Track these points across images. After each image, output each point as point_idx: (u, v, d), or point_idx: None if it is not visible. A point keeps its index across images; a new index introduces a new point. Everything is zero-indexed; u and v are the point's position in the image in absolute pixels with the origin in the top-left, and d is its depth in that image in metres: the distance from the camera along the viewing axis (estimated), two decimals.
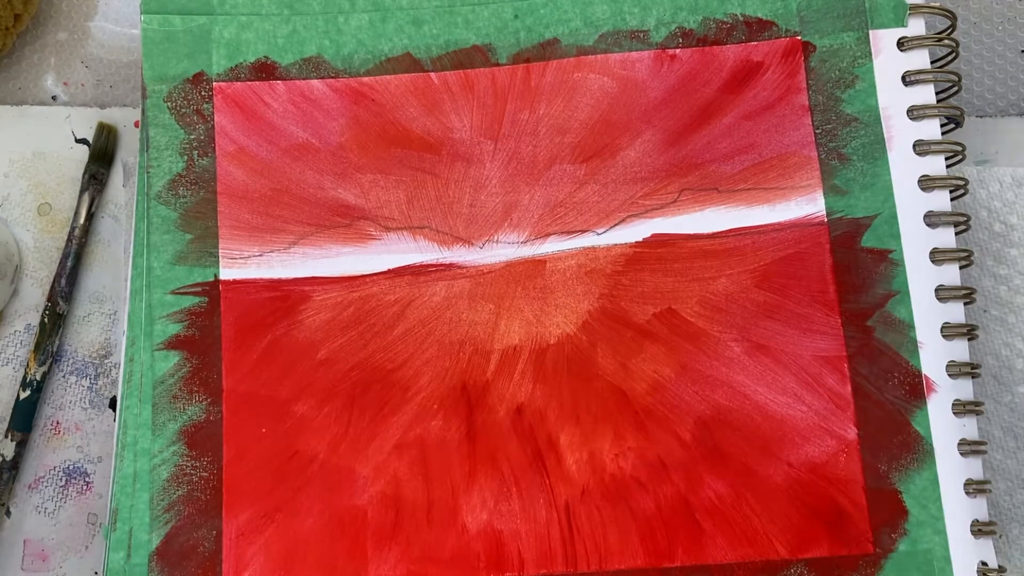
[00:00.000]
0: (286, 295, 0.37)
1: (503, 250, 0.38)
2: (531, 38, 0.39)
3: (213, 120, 0.38)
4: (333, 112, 0.38)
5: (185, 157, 0.38)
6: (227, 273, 0.37)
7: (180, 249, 0.37)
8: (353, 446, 0.36)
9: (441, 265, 0.38)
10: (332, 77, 0.38)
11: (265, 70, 0.38)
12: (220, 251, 0.37)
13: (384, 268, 0.37)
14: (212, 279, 0.37)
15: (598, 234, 0.38)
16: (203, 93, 0.38)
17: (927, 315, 0.37)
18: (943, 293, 0.37)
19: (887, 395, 0.36)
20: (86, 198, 0.40)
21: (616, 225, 0.38)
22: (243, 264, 0.37)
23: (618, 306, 0.37)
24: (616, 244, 0.38)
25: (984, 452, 0.36)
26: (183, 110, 0.38)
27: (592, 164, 0.38)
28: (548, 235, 0.38)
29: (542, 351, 0.37)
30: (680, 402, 0.36)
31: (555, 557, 0.36)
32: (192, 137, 0.38)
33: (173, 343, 0.37)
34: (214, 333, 0.37)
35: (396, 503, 0.36)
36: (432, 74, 0.38)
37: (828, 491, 0.36)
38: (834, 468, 0.36)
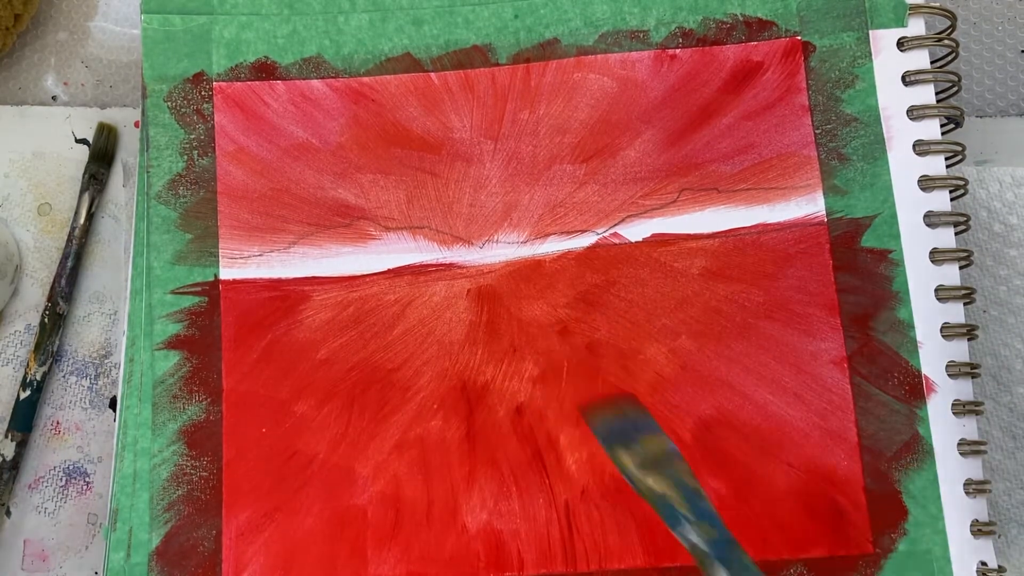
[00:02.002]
0: (286, 295, 0.37)
1: (503, 250, 0.38)
2: (531, 38, 0.39)
3: (213, 120, 0.38)
4: (333, 112, 0.38)
5: (185, 157, 0.38)
6: (227, 273, 0.37)
7: (180, 249, 0.37)
8: (353, 446, 0.36)
9: (441, 265, 0.38)
10: (332, 77, 0.38)
11: (265, 70, 0.38)
12: (220, 251, 0.37)
13: (384, 268, 0.37)
14: (212, 279, 0.37)
15: (598, 234, 0.38)
16: (203, 93, 0.38)
17: (927, 315, 0.37)
18: (943, 293, 0.37)
19: (887, 395, 0.36)
20: (86, 198, 0.40)
21: (616, 225, 0.38)
22: (243, 264, 0.37)
23: (618, 306, 0.37)
24: (616, 244, 0.38)
25: (984, 452, 0.36)
26: (183, 110, 0.38)
27: (592, 164, 0.38)
28: (548, 235, 0.38)
29: (542, 351, 0.37)
30: (680, 402, 0.36)
31: (555, 557, 0.36)
32: (192, 137, 0.38)
33: (173, 343, 0.37)
34: (214, 333, 0.37)
35: (396, 503, 0.36)
36: (432, 74, 0.38)
37: (828, 491, 0.36)
38: (834, 468, 0.36)
